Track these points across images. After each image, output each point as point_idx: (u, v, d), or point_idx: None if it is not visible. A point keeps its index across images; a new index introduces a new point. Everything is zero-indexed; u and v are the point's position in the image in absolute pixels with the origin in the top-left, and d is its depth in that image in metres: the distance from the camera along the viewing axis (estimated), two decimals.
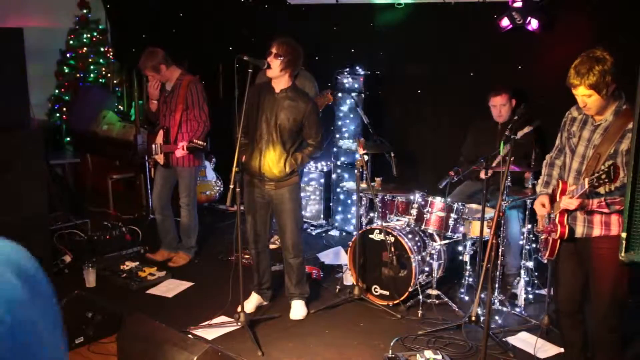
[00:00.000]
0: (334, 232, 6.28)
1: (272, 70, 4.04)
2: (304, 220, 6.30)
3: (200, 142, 4.88)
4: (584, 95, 2.97)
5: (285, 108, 4.09)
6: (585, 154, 3.10)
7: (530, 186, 4.42)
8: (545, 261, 4.01)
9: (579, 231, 3.14)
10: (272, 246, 5.07)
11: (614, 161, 2.90)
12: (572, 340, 3.44)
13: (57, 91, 7.83)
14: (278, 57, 4.02)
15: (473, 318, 4.15)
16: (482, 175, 4.54)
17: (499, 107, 4.83)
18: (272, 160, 4.12)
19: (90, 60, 7.83)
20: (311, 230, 6.32)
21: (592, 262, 3.16)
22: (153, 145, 5.14)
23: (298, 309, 4.38)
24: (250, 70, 3.89)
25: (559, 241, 3.21)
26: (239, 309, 4.13)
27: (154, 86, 5.11)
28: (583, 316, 3.38)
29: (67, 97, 7.79)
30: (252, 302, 4.44)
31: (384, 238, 4.57)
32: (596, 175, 2.83)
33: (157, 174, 5.24)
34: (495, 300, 4.47)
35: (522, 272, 4.53)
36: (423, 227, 4.64)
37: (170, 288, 4.84)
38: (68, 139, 7.72)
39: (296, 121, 4.11)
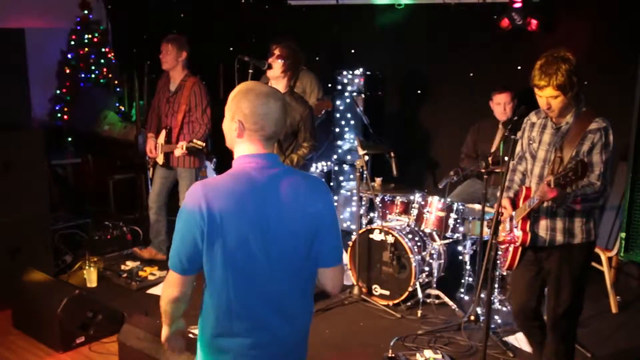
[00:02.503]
0: None
1: (274, 70, 4.07)
2: None
3: (199, 143, 4.88)
4: (551, 96, 2.91)
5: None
6: (547, 158, 3.05)
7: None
8: (505, 273, 4.00)
9: (542, 239, 3.09)
10: None
11: (581, 158, 2.87)
12: (538, 341, 3.39)
13: (58, 91, 7.83)
14: (280, 58, 4.04)
15: (473, 318, 4.16)
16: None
17: (504, 104, 4.79)
18: None
19: (91, 60, 7.83)
20: None
21: (553, 271, 3.12)
22: (156, 144, 5.16)
23: None
24: (250, 71, 3.91)
25: (519, 250, 3.14)
26: None
27: (152, 150, 5.18)
28: (541, 323, 3.34)
29: (68, 98, 7.79)
30: None
31: (384, 238, 4.57)
32: (562, 173, 2.75)
33: (156, 174, 5.25)
34: (495, 300, 4.48)
35: None
36: (423, 227, 4.65)
37: None
38: (69, 139, 7.73)
39: (293, 124, 4.16)
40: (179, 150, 4.94)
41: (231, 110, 2.07)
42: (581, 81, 2.94)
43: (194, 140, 4.89)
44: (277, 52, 4.07)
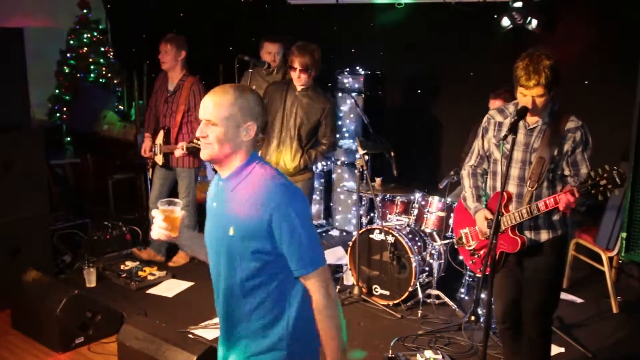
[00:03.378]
0: (334, 232, 6.28)
1: (301, 81, 4.16)
2: None
3: (200, 143, 4.86)
4: (537, 95, 2.87)
5: (304, 106, 4.22)
6: (525, 159, 3.02)
7: None
8: (480, 275, 3.95)
9: (528, 240, 3.07)
10: None
11: (614, 166, 2.82)
12: (515, 351, 3.36)
13: (57, 91, 7.82)
14: (305, 72, 4.12)
15: (473, 318, 4.15)
16: None
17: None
18: (288, 157, 4.27)
19: (90, 60, 7.82)
20: None
21: (530, 267, 3.11)
22: (152, 145, 5.14)
23: None
24: (250, 71, 3.90)
25: (504, 254, 3.12)
26: None
27: (147, 150, 5.19)
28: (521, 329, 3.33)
29: (67, 97, 7.79)
30: None
31: (384, 238, 4.57)
32: (590, 183, 2.74)
33: (156, 175, 5.24)
34: None
35: None
36: (423, 227, 4.65)
37: (170, 288, 4.84)
38: (68, 139, 7.71)
39: (314, 120, 4.23)
40: (179, 151, 4.93)
41: (239, 114, 2.01)
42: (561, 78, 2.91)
43: (195, 141, 4.87)
44: (297, 66, 4.10)
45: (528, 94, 2.90)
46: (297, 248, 1.96)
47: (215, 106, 2.01)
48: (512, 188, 3.07)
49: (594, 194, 2.80)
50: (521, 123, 3.02)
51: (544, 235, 3.07)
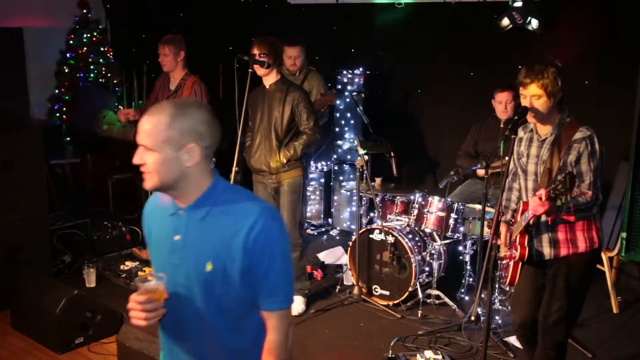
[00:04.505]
0: (334, 232, 6.28)
1: (260, 69, 4.17)
2: (305, 220, 6.30)
3: None
4: (534, 95, 2.89)
5: (276, 100, 4.21)
6: (537, 170, 3.04)
7: None
8: (507, 288, 3.96)
9: (547, 252, 3.05)
10: None
11: (569, 170, 2.84)
12: (530, 357, 3.34)
13: (57, 91, 7.81)
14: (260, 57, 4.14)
15: (473, 318, 4.14)
16: (481, 172, 4.55)
17: (505, 103, 4.78)
18: (267, 153, 4.23)
19: (90, 60, 7.81)
20: (311, 230, 6.32)
21: (551, 280, 3.08)
22: None
23: (295, 305, 4.39)
24: (250, 70, 3.90)
25: (519, 265, 3.10)
26: None
27: (129, 115, 5.19)
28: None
29: (67, 97, 7.77)
30: None
31: (384, 238, 4.57)
32: (552, 187, 2.73)
33: None
34: (495, 300, 4.47)
35: None
36: (423, 227, 4.65)
37: None
38: (68, 138, 7.71)
39: (287, 113, 4.20)
40: None
41: (177, 136, 1.71)
42: (565, 90, 2.91)
43: None
44: (256, 50, 4.14)
45: (526, 94, 2.92)
46: (274, 279, 1.77)
47: (150, 129, 1.72)
48: (530, 200, 3.05)
49: (554, 197, 2.74)
50: (534, 136, 3.05)
51: (564, 250, 3.02)
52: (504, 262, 3.25)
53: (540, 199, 2.79)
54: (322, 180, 6.40)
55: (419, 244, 4.58)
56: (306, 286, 4.51)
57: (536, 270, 3.15)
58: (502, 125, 4.86)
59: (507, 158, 3.06)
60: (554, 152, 2.97)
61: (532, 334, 3.26)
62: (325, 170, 6.43)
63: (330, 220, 6.46)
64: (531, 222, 2.99)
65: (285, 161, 4.22)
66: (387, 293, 4.59)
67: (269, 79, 4.24)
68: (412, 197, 4.73)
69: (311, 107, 4.30)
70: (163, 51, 4.97)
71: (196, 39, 7.19)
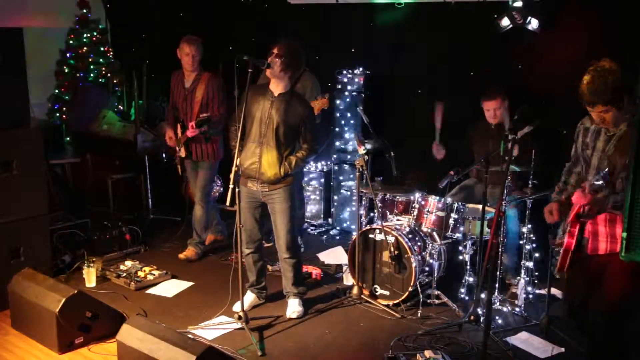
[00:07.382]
0: (334, 232, 6.28)
1: (273, 70, 4.05)
2: (305, 220, 6.30)
3: (203, 115, 4.98)
4: (602, 111, 2.89)
5: (282, 112, 4.10)
6: (600, 165, 3.03)
7: (530, 185, 4.42)
8: (558, 276, 3.93)
9: (602, 247, 3.04)
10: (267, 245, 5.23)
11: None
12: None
13: (57, 91, 7.81)
14: (279, 57, 4.02)
15: (473, 318, 4.15)
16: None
17: (493, 110, 4.86)
18: (267, 163, 4.13)
19: (90, 60, 7.81)
20: (311, 230, 6.32)
21: (612, 275, 3.04)
22: (174, 135, 5.29)
23: (293, 307, 4.40)
24: (250, 70, 3.89)
25: (570, 253, 3.08)
26: (234, 308, 4.24)
27: (172, 137, 5.31)
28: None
29: (67, 97, 7.78)
30: (247, 301, 4.44)
31: (384, 238, 4.57)
32: (591, 181, 2.77)
33: (187, 171, 5.42)
34: (495, 300, 4.47)
35: (522, 272, 4.52)
36: (423, 227, 4.65)
37: (170, 288, 4.84)
38: (68, 138, 7.72)
39: (293, 126, 4.14)
40: (191, 131, 5.04)
41: None
42: (630, 89, 2.89)
43: (200, 115, 5.00)
44: (275, 50, 4.06)
45: (592, 110, 2.92)
46: None
47: None
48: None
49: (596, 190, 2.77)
50: (602, 130, 3.05)
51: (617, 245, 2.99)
52: (557, 248, 3.24)
53: (583, 190, 2.79)
54: (322, 180, 6.40)
55: (418, 243, 4.59)
56: (303, 289, 4.50)
57: (587, 264, 3.10)
58: (493, 128, 4.89)
59: (507, 158, 3.07)
60: (620, 148, 2.94)
61: (582, 322, 3.22)
62: (325, 170, 6.43)
63: (330, 220, 6.46)
64: (581, 211, 2.96)
65: (283, 174, 4.15)
66: (387, 293, 4.59)
67: (279, 86, 4.12)
68: (412, 197, 4.73)
69: (316, 125, 4.32)
70: (191, 51, 5.09)
71: None
